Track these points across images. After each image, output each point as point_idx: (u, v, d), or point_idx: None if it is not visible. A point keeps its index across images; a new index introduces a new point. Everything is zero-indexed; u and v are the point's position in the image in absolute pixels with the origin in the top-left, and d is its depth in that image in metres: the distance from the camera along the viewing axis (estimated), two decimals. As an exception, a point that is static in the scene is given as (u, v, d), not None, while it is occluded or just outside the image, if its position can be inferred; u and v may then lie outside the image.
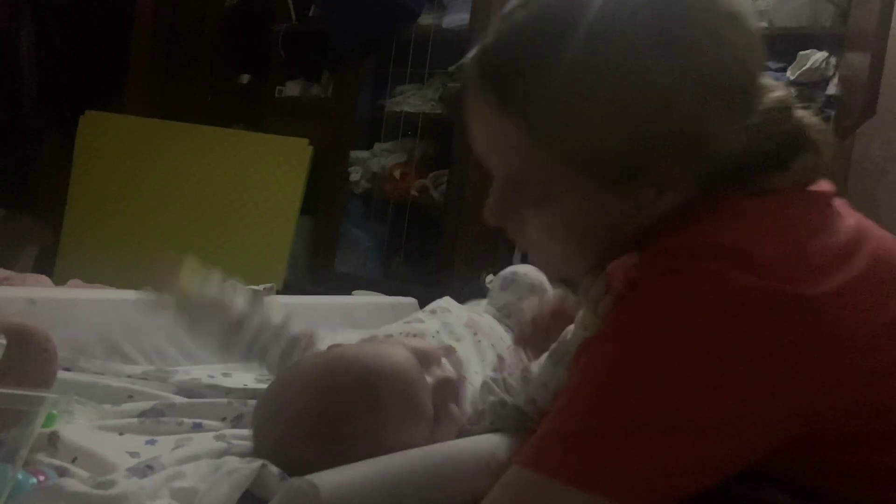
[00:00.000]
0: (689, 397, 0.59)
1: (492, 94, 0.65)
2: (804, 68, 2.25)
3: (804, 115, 0.70)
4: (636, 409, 0.59)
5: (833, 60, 2.25)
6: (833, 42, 2.27)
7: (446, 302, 1.16)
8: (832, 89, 2.24)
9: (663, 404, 0.59)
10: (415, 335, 1.00)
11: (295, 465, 0.74)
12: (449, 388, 0.84)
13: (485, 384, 0.89)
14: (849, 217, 0.70)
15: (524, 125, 0.64)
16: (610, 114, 0.62)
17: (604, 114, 0.62)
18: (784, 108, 0.68)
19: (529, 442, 0.63)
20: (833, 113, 2.25)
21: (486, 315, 1.15)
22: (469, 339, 1.03)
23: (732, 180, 0.67)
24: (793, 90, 0.71)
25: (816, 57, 2.24)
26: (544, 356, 0.91)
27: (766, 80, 0.69)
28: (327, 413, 0.77)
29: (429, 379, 0.83)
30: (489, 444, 0.79)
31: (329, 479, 0.63)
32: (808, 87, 2.27)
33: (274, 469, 0.72)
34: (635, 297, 0.65)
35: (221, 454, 0.78)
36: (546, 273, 0.88)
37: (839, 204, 0.71)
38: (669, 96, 0.61)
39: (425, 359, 0.85)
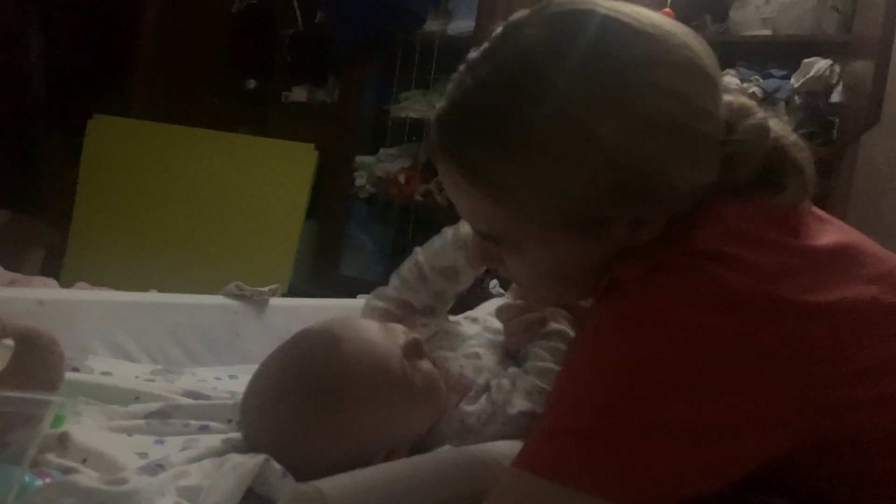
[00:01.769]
0: (679, 398, 0.59)
1: (452, 163, 0.68)
2: (808, 76, 2.25)
3: (783, 135, 0.70)
4: (623, 409, 0.59)
5: (837, 68, 2.25)
6: (837, 50, 2.27)
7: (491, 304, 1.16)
8: (836, 97, 2.24)
9: (650, 405, 0.59)
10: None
11: (283, 440, 0.77)
12: (417, 347, 0.86)
13: (495, 385, 0.89)
14: (827, 222, 0.70)
15: (487, 191, 0.66)
16: (564, 174, 0.63)
17: (559, 175, 0.63)
18: (761, 132, 0.68)
19: (524, 443, 0.64)
20: (837, 120, 2.25)
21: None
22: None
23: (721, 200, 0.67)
24: (759, 104, 0.71)
25: (821, 65, 2.25)
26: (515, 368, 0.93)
27: (743, 101, 0.70)
28: (306, 385, 0.80)
29: (398, 342, 0.85)
30: (497, 450, 0.78)
31: (335, 484, 0.63)
32: (813, 95, 2.27)
33: (276, 465, 0.73)
34: (624, 292, 0.65)
35: (226, 454, 0.79)
36: (537, 303, 0.92)
37: (811, 211, 0.71)
38: (618, 151, 0.62)
39: (391, 328, 0.88)
